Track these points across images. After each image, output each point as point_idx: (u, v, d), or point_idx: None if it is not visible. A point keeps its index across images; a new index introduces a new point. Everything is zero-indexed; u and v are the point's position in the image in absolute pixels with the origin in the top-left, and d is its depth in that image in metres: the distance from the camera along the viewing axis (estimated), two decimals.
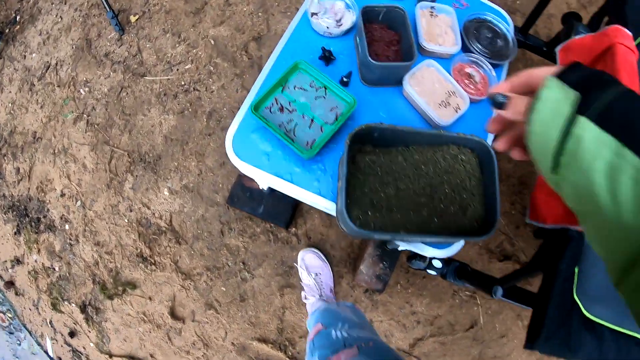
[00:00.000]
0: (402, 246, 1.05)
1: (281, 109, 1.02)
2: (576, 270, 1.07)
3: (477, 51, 1.18)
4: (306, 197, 0.99)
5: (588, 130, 0.34)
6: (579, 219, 0.39)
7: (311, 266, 1.56)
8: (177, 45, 1.90)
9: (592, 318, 1.06)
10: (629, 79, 0.96)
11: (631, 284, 0.32)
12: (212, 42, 1.89)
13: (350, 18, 1.16)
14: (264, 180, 1.01)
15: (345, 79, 1.10)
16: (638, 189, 0.30)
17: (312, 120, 1.01)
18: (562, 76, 0.38)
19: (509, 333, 1.65)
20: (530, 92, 0.44)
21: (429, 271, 1.41)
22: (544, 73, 0.42)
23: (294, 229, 1.64)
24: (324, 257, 1.60)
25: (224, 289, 1.61)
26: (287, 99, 1.02)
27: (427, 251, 0.99)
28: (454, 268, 1.36)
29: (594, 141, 0.33)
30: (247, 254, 1.62)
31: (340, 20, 1.16)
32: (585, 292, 1.07)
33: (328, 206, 0.98)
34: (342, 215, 0.83)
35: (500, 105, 0.46)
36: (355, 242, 1.65)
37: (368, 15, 1.10)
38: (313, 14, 1.15)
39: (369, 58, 1.00)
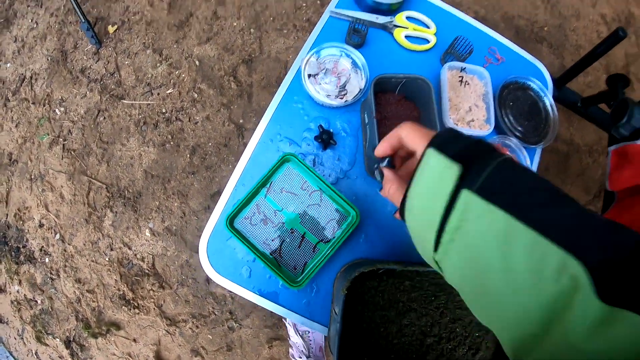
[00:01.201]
0: None
1: (264, 221, 0.80)
2: None
3: (511, 131, 0.94)
4: (296, 319, 0.82)
5: (474, 203, 0.32)
6: (463, 297, 0.36)
7: (299, 324, 1.45)
8: (158, 64, 1.70)
9: None
10: None
11: None
12: (197, 62, 1.68)
13: (357, 84, 0.89)
14: (245, 296, 0.83)
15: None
16: (531, 259, 0.28)
17: (302, 237, 0.80)
18: (441, 148, 0.36)
19: None
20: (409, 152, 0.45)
21: None
22: (417, 139, 0.41)
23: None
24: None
25: (211, 337, 1.53)
26: (272, 207, 0.80)
27: None
28: None
29: (481, 214, 0.31)
30: (234, 304, 1.52)
31: (344, 86, 0.89)
32: None
33: (320, 329, 0.82)
34: (333, 342, 0.69)
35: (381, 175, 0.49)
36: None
37: (381, 85, 0.82)
38: (309, 75, 0.88)
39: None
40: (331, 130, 0.87)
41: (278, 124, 0.88)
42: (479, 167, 0.33)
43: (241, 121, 1.61)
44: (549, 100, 0.98)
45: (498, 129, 0.94)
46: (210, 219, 0.82)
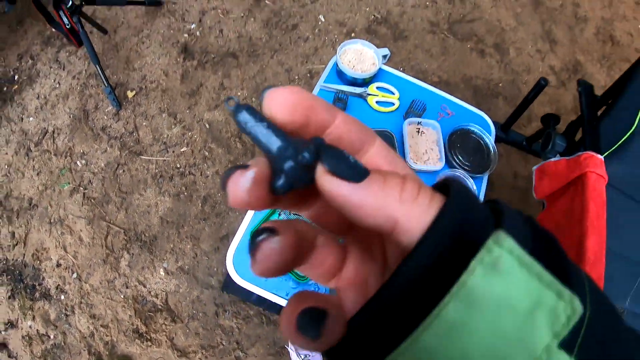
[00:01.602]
0: None
1: None
2: None
3: (459, 165, 1.30)
4: None
5: None
6: None
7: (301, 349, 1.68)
8: (172, 126, 1.98)
9: None
10: (597, 208, 1.12)
11: None
12: (207, 126, 1.98)
13: None
14: (264, 296, 1.12)
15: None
16: None
17: None
18: (513, 231, 0.16)
19: None
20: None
21: None
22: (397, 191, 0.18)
23: None
24: None
25: None
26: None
27: None
28: None
29: None
30: (240, 335, 1.74)
31: None
32: None
33: None
34: None
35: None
36: None
37: None
38: None
39: None
40: None
41: None
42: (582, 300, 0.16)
43: None
44: (489, 140, 1.36)
45: (449, 164, 1.31)
46: (234, 238, 1.13)
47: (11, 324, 1.87)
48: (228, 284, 1.70)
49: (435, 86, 1.43)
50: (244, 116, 0.20)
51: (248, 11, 2.26)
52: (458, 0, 2.49)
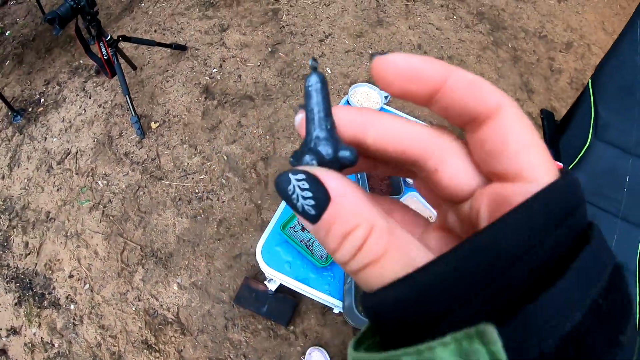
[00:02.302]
0: None
1: (302, 229, 1.34)
2: None
3: None
4: (319, 296, 1.30)
5: None
6: None
7: None
8: (193, 156, 2.19)
9: None
10: None
11: None
12: (225, 157, 2.20)
13: None
14: (286, 282, 1.31)
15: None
16: None
17: None
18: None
19: None
20: None
21: None
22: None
23: (292, 327, 1.92)
24: (329, 358, 1.84)
25: None
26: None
27: None
28: None
29: None
30: (248, 348, 1.86)
31: None
32: None
33: (336, 303, 1.30)
34: (350, 310, 1.16)
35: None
36: (347, 340, 1.96)
37: None
38: None
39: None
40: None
41: None
42: None
43: (259, 202, 2.12)
44: None
45: None
46: (263, 235, 1.34)
47: (14, 331, 1.91)
48: (240, 298, 1.85)
49: None
50: (314, 79, 0.21)
51: (264, 60, 2.57)
52: (446, 57, 2.89)
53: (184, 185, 2.12)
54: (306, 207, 0.17)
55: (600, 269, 0.15)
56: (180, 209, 2.07)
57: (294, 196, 0.18)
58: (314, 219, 0.17)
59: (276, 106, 2.42)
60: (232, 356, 1.85)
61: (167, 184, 2.12)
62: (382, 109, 1.69)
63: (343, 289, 1.29)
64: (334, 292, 1.31)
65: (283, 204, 1.42)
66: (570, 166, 1.71)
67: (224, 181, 2.15)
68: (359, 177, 1.43)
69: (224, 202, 2.10)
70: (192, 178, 2.14)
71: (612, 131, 1.67)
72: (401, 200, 1.37)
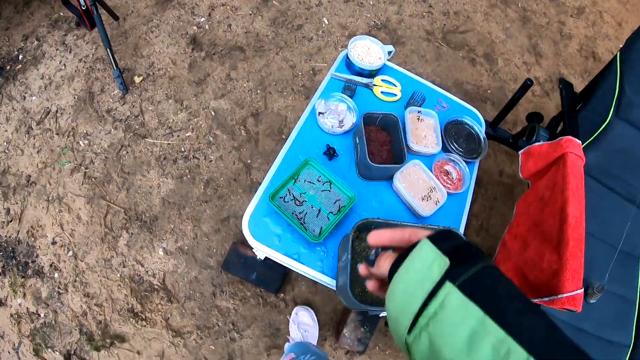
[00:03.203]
0: (384, 313, 1.22)
1: (294, 200, 1.18)
2: None
3: (454, 150, 1.40)
4: (310, 273, 1.15)
5: (454, 296, 0.35)
6: None
7: (302, 322, 1.70)
8: (178, 112, 1.99)
9: None
10: (576, 181, 1.22)
11: None
12: (213, 113, 2.00)
13: (351, 119, 1.34)
14: (275, 257, 1.16)
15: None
16: (497, 355, 0.31)
17: (319, 211, 1.17)
18: (436, 242, 0.40)
19: None
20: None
21: None
22: (422, 234, 0.44)
23: (282, 294, 1.77)
24: (315, 319, 1.73)
25: (213, 348, 1.70)
26: (298, 191, 1.18)
27: None
28: None
29: (459, 307, 0.34)
30: (236, 316, 1.72)
31: (342, 120, 1.34)
32: None
33: (329, 282, 1.15)
34: (344, 291, 1.00)
35: (370, 263, 0.52)
36: (339, 308, 1.81)
37: (367, 120, 1.29)
38: (320, 113, 1.32)
39: (369, 160, 1.19)
40: (334, 147, 1.30)
41: (299, 143, 1.29)
42: (466, 266, 0.37)
43: (249, 161, 1.92)
44: (480, 130, 1.47)
45: (444, 149, 1.41)
46: (250, 204, 1.17)
47: (0, 302, 1.81)
48: (228, 263, 1.69)
49: None
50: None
51: (256, 9, 2.31)
52: (452, 13, 2.61)
53: (169, 144, 1.94)
54: None
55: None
56: (165, 169, 1.89)
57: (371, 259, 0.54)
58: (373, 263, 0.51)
59: (268, 58, 2.18)
60: (220, 324, 1.71)
61: (152, 143, 1.94)
62: (384, 64, 1.50)
63: (337, 266, 1.11)
64: (326, 269, 1.15)
65: (273, 168, 1.24)
66: (586, 143, 1.52)
67: (211, 139, 1.95)
68: (358, 142, 1.26)
69: (211, 161, 1.91)
70: (178, 136, 1.95)
71: (635, 111, 1.50)
72: (405, 168, 1.28)
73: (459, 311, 0.34)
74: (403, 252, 0.43)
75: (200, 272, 1.75)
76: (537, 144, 1.42)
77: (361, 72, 1.45)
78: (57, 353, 1.72)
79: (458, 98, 1.57)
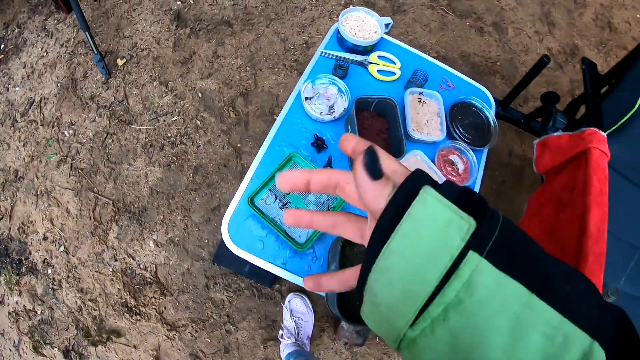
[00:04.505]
0: None
1: (276, 201, 1.03)
2: None
3: (460, 138, 1.21)
4: (298, 281, 1.01)
5: (486, 272, 0.23)
6: None
7: (295, 310, 1.60)
8: (164, 95, 1.86)
9: None
10: (600, 184, 1.04)
11: None
12: (200, 94, 1.86)
13: (342, 104, 1.15)
14: (259, 264, 1.01)
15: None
16: (552, 345, 0.22)
17: None
18: (442, 191, 0.26)
19: None
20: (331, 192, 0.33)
21: None
22: (350, 178, 0.31)
23: (277, 285, 1.66)
24: (310, 305, 1.63)
25: (209, 340, 1.62)
26: (281, 191, 1.03)
27: None
28: None
29: (493, 286, 0.23)
30: (231, 308, 1.63)
31: (332, 106, 1.15)
32: None
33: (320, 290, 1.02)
34: (332, 301, 0.88)
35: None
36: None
37: (360, 105, 1.11)
38: (306, 98, 1.14)
39: None
40: (323, 138, 1.12)
41: (283, 134, 1.11)
42: (489, 224, 0.25)
43: (239, 145, 1.79)
44: (490, 114, 1.25)
45: (450, 136, 1.22)
46: (230, 205, 1.01)
47: None
48: (220, 256, 1.59)
49: None
50: None
51: None
52: None
53: (155, 129, 1.81)
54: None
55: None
56: (152, 156, 1.78)
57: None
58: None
59: (258, 32, 2.01)
60: (215, 316, 1.62)
61: (137, 129, 1.82)
62: (381, 38, 1.29)
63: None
64: None
65: (254, 165, 1.07)
66: (609, 131, 1.30)
67: (198, 122, 1.82)
68: (350, 131, 1.07)
69: (199, 146, 1.78)
70: (164, 120, 1.82)
71: None
72: (404, 159, 1.11)
73: (494, 293, 0.23)
74: (386, 209, 0.27)
75: (193, 264, 1.66)
76: (555, 134, 1.22)
77: (355, 49, 1.25)
78: (56, 349, 1.68)
79: (465, 75, 1.36)
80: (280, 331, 1.61)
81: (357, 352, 1.67)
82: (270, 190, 1.03)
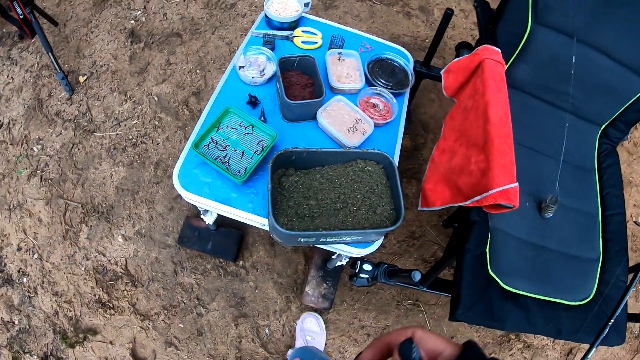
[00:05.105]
0: (331, 248, 1.17)
1: (217, 146, 1.16)
2: (487, 250, 1.21)
3: (379, 84, 1.37)
4: (243, 216, 1.13)
5: None
6: None
7: (308, 329, 1.60)
8: (123, 102, 1.97)
9: (510, 290, 1.19)
10: (496, 84, 1.14)
11: None
12: (156, 98, 1.97)
13: (271, 68, 1.33)
14: (207, 205, 1.14)
15: (262, 118, 1.26)
16: None
17: (242, 153, 1.16)
18: None
19: (457, 334, 1.78)
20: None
21: (361, 275, 1.42)
22: (440, 340, 0.36)
23: (241, 262, 1.73)
24: (323, 327, 1.64)
25: (182, 326, 1.66)
26: (221, 137, 1.18)
27: (353, 251, 1.14)
28: (383, 270, 1.42)
29: None
30: (200, 290, 1.68)
31: (263, 70, 1.32)
32: (500, 268, 1.21)
33: (262, 222, 1.12)
34: (273, 227, 0.97)
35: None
36: (300, 268, 1.75)
37: (285, 65, 1.27)
38: (240, 67, 1.31)
39: (287, 99, 1.16)
40: (256, 95, 1.28)
41: (222, 100, 1.27)
42: None
43: None
44: (405, 64, 1.45)
45: (369, 84, 1.38)
46: (179, 158, 1.16)
47: None
48: (183, 238, 1.65)
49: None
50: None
51: None
52: None
53: (117, 134, 1.91)
54: None
55: None
56: (115, 158, 1.87)
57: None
58: None
59: (205, 39, 2.16)
60: (185, 301, 1.67)
61: (101, 136, 1.92)
62: (302, 17, 1.49)
63: (268, 206, 1.08)
64: (257, 209, 1.13)
65: (198, 125, 1.23)
66: (512, 58, 1.44)
67: (156, 122, 1.93)
68: (279, 87, 1.22)
69: (158, 143, 1.89)
70: (125, 125, 1.93)
71: (553, 13, 1.38)
72: (328, 105, 1.27)
73: None
74: None
75: (160, 252, 1.72)
76: (456, 59, 1.36)
77: (281, 27, 1.44)
78: (35, 357, 1.70)
79: (384, 40, 1.54)
80: (290, 350, 1.63)
81: (327, 320, 1.71)
82: (212, 138, 1.17)
